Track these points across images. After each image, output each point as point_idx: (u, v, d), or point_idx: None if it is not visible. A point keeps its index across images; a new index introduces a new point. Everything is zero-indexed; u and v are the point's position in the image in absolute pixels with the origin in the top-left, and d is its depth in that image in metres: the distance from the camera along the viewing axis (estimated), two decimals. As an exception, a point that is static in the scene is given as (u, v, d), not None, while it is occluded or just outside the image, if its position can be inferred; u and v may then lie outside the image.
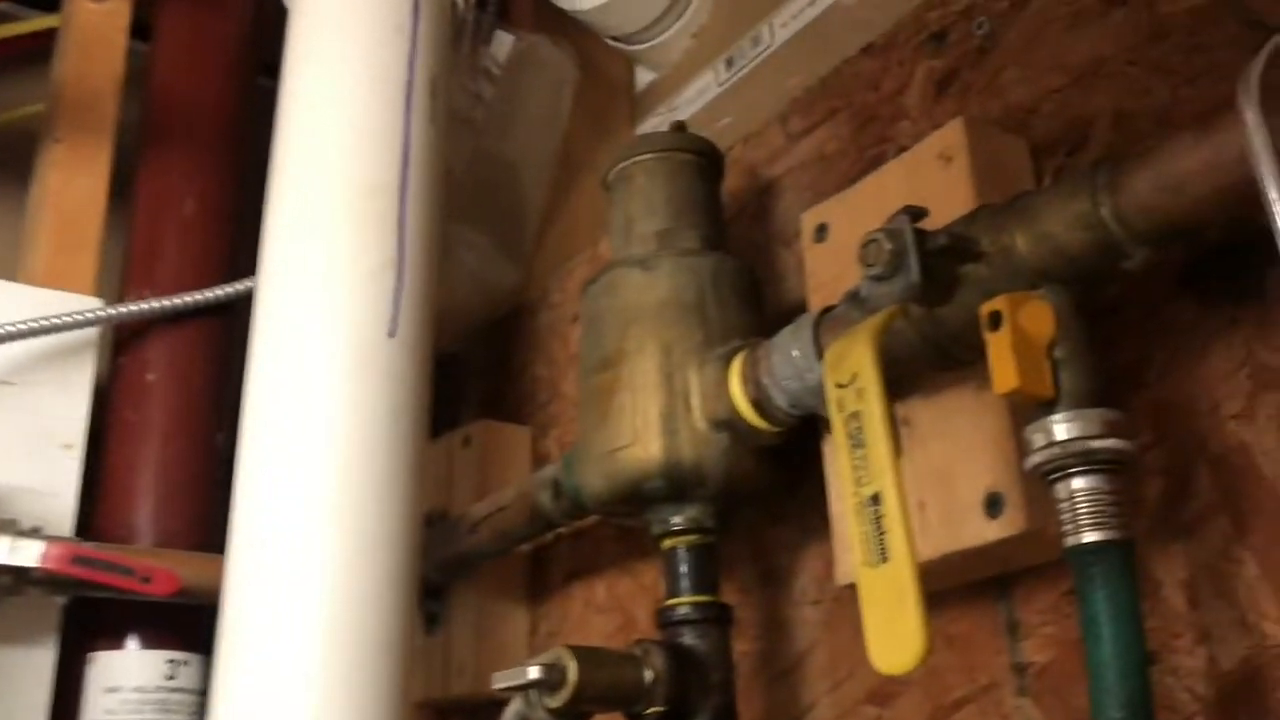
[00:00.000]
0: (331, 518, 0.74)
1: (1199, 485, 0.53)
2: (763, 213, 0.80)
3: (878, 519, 0.45)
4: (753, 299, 0.69)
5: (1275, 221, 0.39)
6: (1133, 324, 0.56)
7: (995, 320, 0.47)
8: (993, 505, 0.54)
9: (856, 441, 0.47)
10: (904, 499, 0.45)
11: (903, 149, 0.65)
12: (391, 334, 0.80)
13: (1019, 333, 0.47)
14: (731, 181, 0.82)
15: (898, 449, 0.46)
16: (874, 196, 0.63)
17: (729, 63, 0.90)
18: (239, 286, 1.06)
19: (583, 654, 0.58)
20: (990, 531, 0.54)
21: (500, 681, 0.58)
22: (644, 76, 1.02)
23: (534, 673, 0.57)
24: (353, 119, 0.82)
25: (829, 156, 0.75)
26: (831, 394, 0.49)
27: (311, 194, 0.82)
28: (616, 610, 0.85)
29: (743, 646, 0.73)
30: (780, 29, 0.86)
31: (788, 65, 0.82)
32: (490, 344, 1.09)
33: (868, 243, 0.50)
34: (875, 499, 0.45)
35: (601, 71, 1.07)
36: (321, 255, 0.80)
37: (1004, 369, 0.46)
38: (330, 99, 0.83)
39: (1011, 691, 0.58)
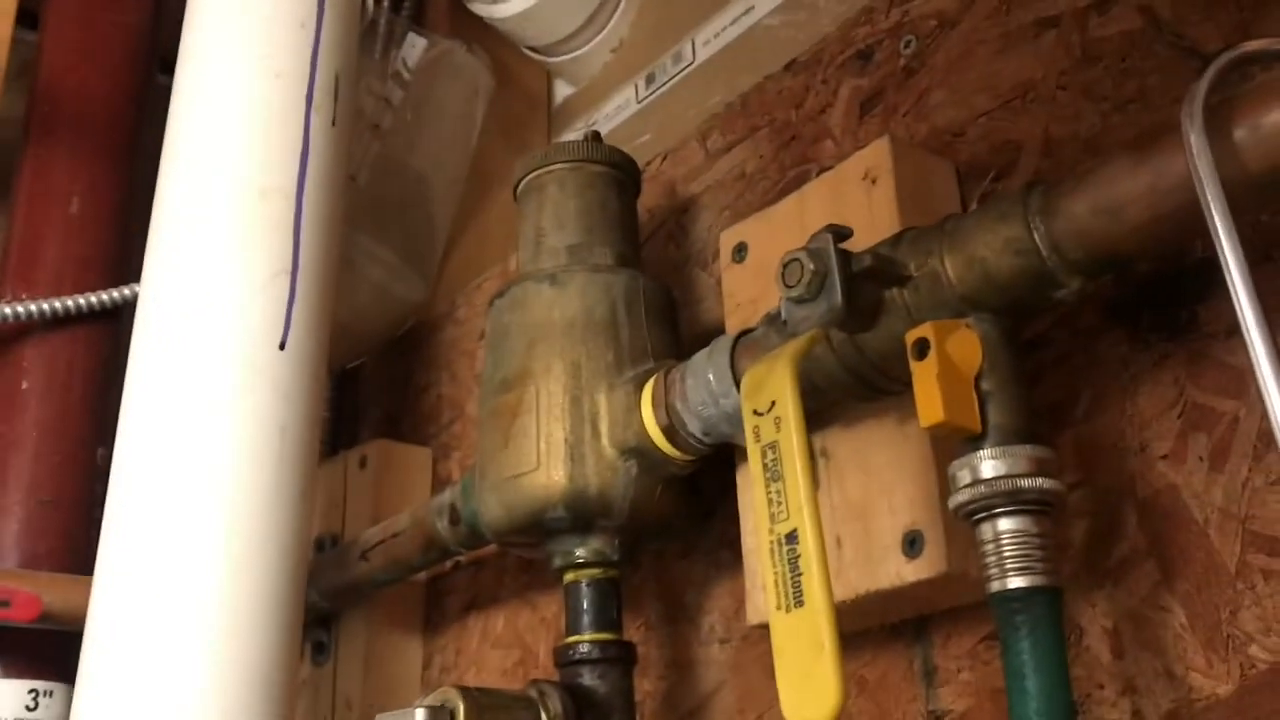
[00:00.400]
0: (210, 539, 0.69)
1: (1126, 528, 0.50)
2: (680, 232, 0.77)
3: (793, 559, 0.42)
4: (668, 319, 0.66)
5: (1222, 248, 0.36)
6: (1061, 359, 0.54)
7: (921, 349, 0.44)
8: (912, 544, 0.51)
9: (773, 474, 0.43)
10: (821, 538, 0.41)
11: (825, 169, 0.63)
12: (282, 346, 0.75)
13: (946, 363, 0.44)
14: (649, 198, 0.78)
15: (816, 483, 0.43)
16: (795, 216, 0.60)
17: (650, 79, 0.87)
18: (124, 292, 1.00)
19: (473, 695, 0.54)
20: (909, 572, 0.51)
21: (382, 726, 0.54)
22: (562, 90, 0.99)
23: (419, 716, 0.53)
24: (248, 116, 0.77)
25: (749, 175, 0.72)
26: (748, 422, 0.45)
27: (201, 195, 0.77)
28: (515, 645, 0.81)
29: (646, 686, 0.70)
30: (703, 46, 0.83)
31: (709, 82, 0.79)
32: (393, 361, 1.04)
33: (788, 262, 0.47)
34: (791, 537, 0.42)
35: (518, 82, 1.03)
36: (209, 261, 0.75)
37: (929, 401, 0.43)
38: (225, 94, 0.78)
39: (926, 741, 0.55)
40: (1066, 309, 0.54)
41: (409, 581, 0.89)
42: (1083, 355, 0.53)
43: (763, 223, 0.63)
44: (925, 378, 0.44)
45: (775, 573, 0.42)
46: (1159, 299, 0.51)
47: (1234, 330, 0.47)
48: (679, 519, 0.63)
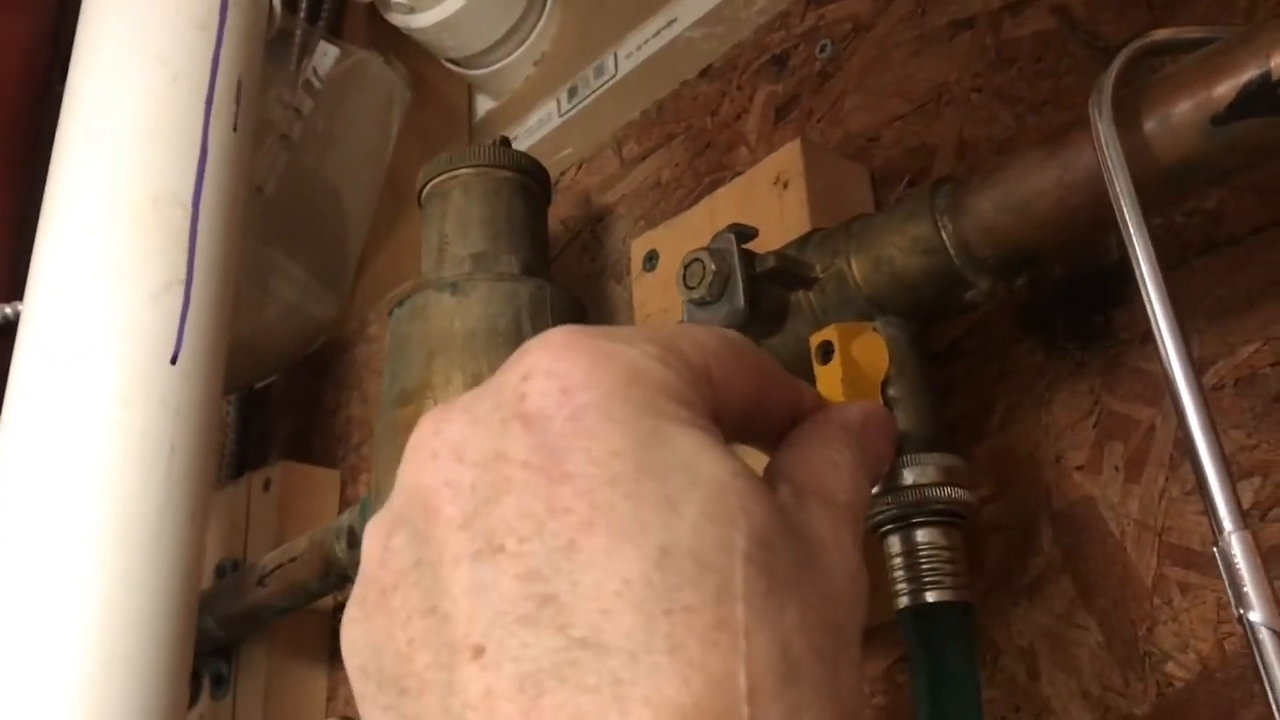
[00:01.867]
0: (88, 560, 0.65)
1: (1042, 542, 0.48)
2: (595, 242, 0.75)
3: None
4: (574, 331, 0.63)
5: (1132, 242, 0.35)
6: (974, 370, 0.52)
7: (825, 352, 0.42)
8: (822, 561, 0.49)
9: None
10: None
11: (739, 176, 0.61)
12: (174, 361, 0.72)
13: (851, 366, 0.42)
14: (563, 209, 0.76)
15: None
16: (706, 222, 0.58)
17: (571, 92, 0.85)
18: (7, 309, 0.95)
19: (359, 727, 0.50)
20: (818, 590, 0.48)
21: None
22: (484, 104, 0.96)
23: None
24: (142, 120, 0.74)
25: (664, 184, 0.70)
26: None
27: (90, 201, 0.74)
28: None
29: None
30: (625, 59, 0.81)
31: (630, 95, 0.78)
32: (302, 380, 1.00)
33: (689, 263, 0.45)
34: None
35: (438, 95, 1.01)
36: (97, 270, 0.71)
37: (834, 406, 0.41)
38: (117, 97, 0.74)
39: (839, 769, 0.53)
40: (979, 317, 0.52)
41: (311, 610, 0.85)
42: (996, 365, 0.51)
43: (674, 230, 0.61)
44: (830, 382, 0.42)
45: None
46: (1074, 305, 0.49)
47: (1149, 335, 0.46)
48: (586, 538, 0.61)
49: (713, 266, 0.44)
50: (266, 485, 0.89)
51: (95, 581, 0.64)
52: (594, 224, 0.75)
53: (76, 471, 0.66)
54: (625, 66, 0.81)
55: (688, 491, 0.23)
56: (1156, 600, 0.44)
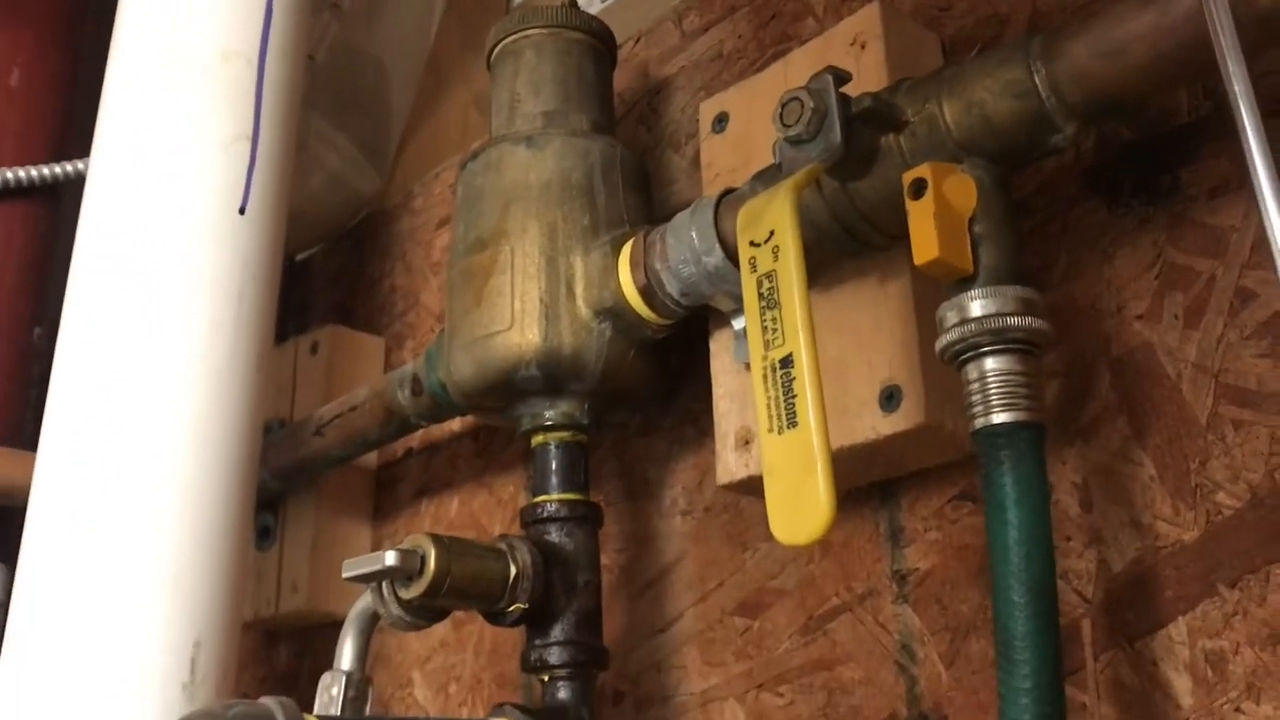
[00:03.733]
0: (164, 406, 0.68)
1: (1099, 387, 0.51)
2: (652, 114, 0.76)
3: (787, 383, 0.42)
4: (643, 190, 0.65)
5: (1231, 82, 0.37)
6: (1040, 226, 0.55)
7: (919, 188, 0.45)
8: (890, 399, 0.52)
9: (769, 302, 0.43)
10: (816, 361, 0.42)
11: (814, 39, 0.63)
12: (242, 211, 0.74)
13: (942, 202, 0.44)
14: (621, 81, 0.78)
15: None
16: (779, 83, 0.60)
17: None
18: (66, 168, 0.97)
19: (444, 542, 0.54)
20: (885, 425, 0.52)
21: (352, 569, 0.53)
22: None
23: (390, 558, 0.52)
24: (212, -24, 0.75)
25: (726, 55, 0.72)
26: (744, 254, 0.45)
27: (159, 58, 0.75)
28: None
29: (605, 560, 0.70)
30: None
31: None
32: (344, 252, 1.02)
33: (787, 102, 0.47)
34: (786, 362, 0.42)
35: (478, -23, 1.01)
36: (167, 124, 0.73)
37: (925, 238, 0.44)
38: (188, -48, 0.75)
39: (890, 599, 0.56)
40: (1045, 177, 0.55)
41: (358, 468, 0.88)
42: (1060, 222, 0.54)
43: (745, 92, 0.63)
44: (921, 215, 0.44)
45: (768, 397, 0.42)
46: (1141, 165, 0.52)
47: (1217, 190, 0.49)
48: (648, 387, 0.63)
49: (811, 104, 0.46)
50: (314, 348, 0.91)
51: (172, 423, 0.67)
52: (651, 96, 0.77)
53: (152, 320, 0.68)
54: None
55: None
56: (1210, 436, 0.47)
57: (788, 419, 0.42)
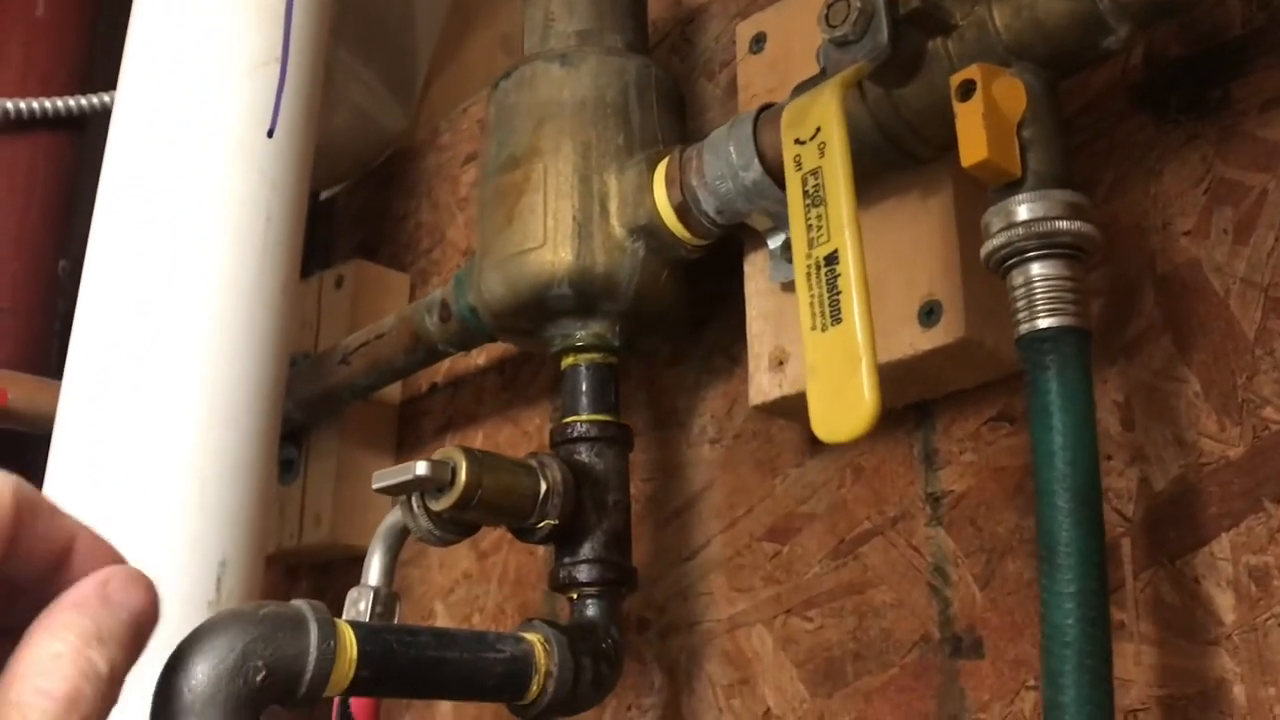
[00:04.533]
0: (192, 329, 0.67)
1: (1143, 304, 0.50)
2: (685, 43, 0.75)
3: (832, 279, 0.41)
4: (678, 111, 0.65)
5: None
6: (1083, 144, 0.54)
7: (967, 90, 0.44)
8: (929, 314, 0.51)
9: (814, 200, 0.43)
10: (862, 257, 0.41)
11: (850, -39, 0.61)
12: (270, 134, 0.73)
13: (990, 104, 0.43)
14: (654, 10, 0.76)
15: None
16: (816, 3, 0.59)
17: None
18: (94, 99, 0.96)
19: (475, 455, 0.53)
20: (924, 341, 0.51)
21: (382, 480, 0.53)
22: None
23: (421, 468, 0.52)
24: (242, -105, 0.74)
25: (763, -18, 0.71)
26: (789, 152, 0.45)
27: (189, -22, 0.74)
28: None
29: (631, 489, 0.69)
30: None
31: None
32: (367, 190, 1.02)
33: (834, 3, 0.46)
34: (831, 258, 0.41)
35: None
36: (196, 45, 0.73)
37: (974, 139, 0.43)
38: None
39: (924, 522, 0.56)
40: (1091, 95, 0.54)
41: (381, 402, 0.88)
42: (1106, 140, 0.53)
43: (782, 12, 0.62)
44: (970, 116, 0.43)
45: (812, 295, 0.42)
46: (1190, 80, 0.51)
47: (1269, 104, 0.48)
48: (678, 310, 0.63)
49: (857, 4, 0.45)
50: (339, 283, 0.91)
51: (200, 347, 0.67)
52: (684, 24, 0.76)
53: (180, 243, 0.68)
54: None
55: None
56: (1258, 351, 0.47)
57: (831, 316, 0.41)
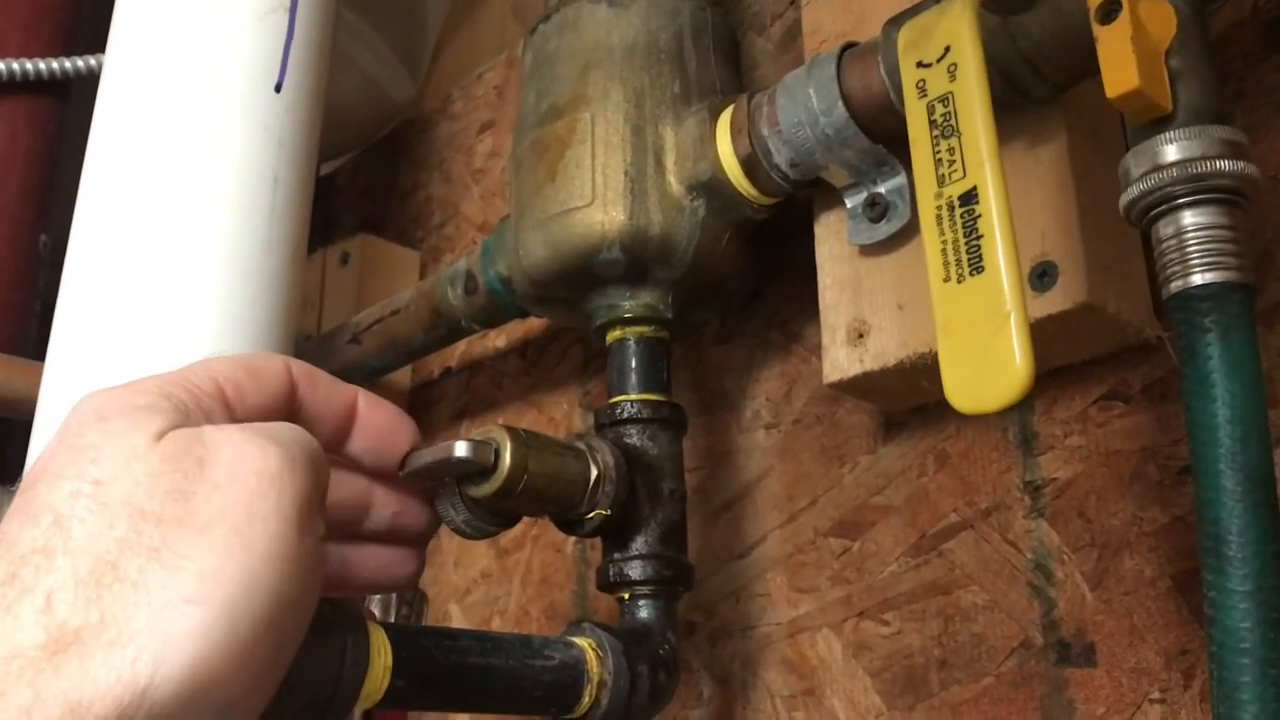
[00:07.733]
0: (190, 305, 0.61)
1: (1279, 266, 0.45)
2: (731, -4, 0.69)
3: (971, 221, 0.35)
4: (734, 60, 0.59)
5: None
6: (1203, 91, 0.48)
7: (1110, 10, 0.38)
8: (1043, 276, 0.45)
9: (944, 130, 0.37)
10: (1006, 193, 0.35)
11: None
12: (278, 89, 0.67)
13: (1138, 26, 0.37)
14: (695, -39, 0.70)
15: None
16: (900, -65, 0.53)
17: None
18: (79, 62, 0.89)
19: (520, 435, 0.47)
20: (1037, 307, 0.45)
21: (416, 462, 0.46)
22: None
23: (461, 449, 0.45)
24: None
25: (821, -74, 0.65)
26: (909, 77, 0.39)
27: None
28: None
29: (676, 480, 0.63)
30: None
31: None
32: (372, 163, 0.95)
33: (950, -87, 0.40)
34: (968, 197, 0.35)
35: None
36: (198, -8, 0.66)
37: (1121, 66, 0.37)
38: None
39: (1022, 514, 0.50)
40: (1218, 34, 0.48)
41: (391, 389, 0.82)
42: (1236, 84, 0.47)
43: (856, -50, 0.56)
44: (1115, 41, 0.37)
45: (944, 240, 0.36)
46: (1336, 14, 0.45)
47: None
48: (737, 280, 0.57)
49: (980, -86, 0.39)
50: (344, 259, 0.84)
51: (203, 319, 0.60)
52: (731, -23, 0.70)
53: (179, 206, 0.62)
54: None
55: None
56: None
57: (970, 264, 0.35)
